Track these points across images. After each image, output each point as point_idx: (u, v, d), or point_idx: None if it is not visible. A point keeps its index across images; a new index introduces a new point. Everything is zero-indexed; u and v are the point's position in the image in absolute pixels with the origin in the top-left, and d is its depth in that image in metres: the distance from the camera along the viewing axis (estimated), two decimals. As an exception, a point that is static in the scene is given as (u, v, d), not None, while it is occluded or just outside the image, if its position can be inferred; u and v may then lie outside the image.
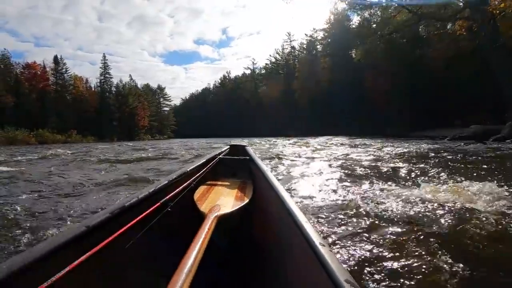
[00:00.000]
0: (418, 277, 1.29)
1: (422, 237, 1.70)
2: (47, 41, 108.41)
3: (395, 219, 2.04)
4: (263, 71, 63.15)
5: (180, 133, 66.27)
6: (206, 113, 71.86)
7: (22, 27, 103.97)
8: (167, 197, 1.20)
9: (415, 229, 1.83)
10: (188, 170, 1.60)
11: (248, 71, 67.61)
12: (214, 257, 1.01)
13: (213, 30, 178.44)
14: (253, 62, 66.59)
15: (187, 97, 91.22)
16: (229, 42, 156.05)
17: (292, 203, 1.02)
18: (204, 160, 1.95)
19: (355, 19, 42.58)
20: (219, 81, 75.63)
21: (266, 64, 61.63)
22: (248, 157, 2.15)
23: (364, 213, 2.18)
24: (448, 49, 27.90)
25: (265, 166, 1.79)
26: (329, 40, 44.27)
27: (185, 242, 0.84)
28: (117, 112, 46.11)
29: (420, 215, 2.10)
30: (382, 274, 1.32)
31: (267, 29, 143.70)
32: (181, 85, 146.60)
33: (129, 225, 0.89)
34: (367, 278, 1.31)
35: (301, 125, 40.41)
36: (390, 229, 1.84)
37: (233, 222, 1.35)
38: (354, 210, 2.24)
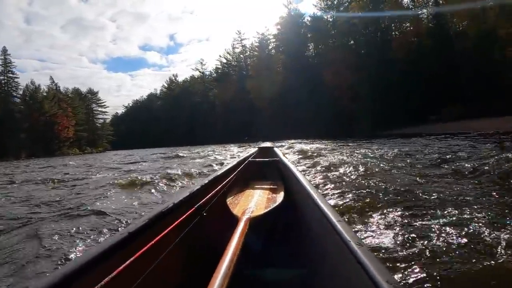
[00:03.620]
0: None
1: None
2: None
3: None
4: (214, 75, 57.92)
5: (122, 143, 59.54)
6: (153, 120, 66.42)
7: None
8: (201, 202, 1.21)
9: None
10: (219, 174, 1.63)
11: (197, 73, 61.79)
12: (249, 259, 1.01)
13: (160, 36, 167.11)
14: (201, 63, 60.91)
15: (131, 104, 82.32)
16: (177, 48, 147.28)
17: (325, 203, 0.99)
18: (234, 164, 1.96)
19: (309, 12, 40.47)
20: (166, 85, 68.27)
21: (216, 65, 56.58)
22: (277, 159, 2.16)
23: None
24: (409, 41, 26.27)
25: (295, 167, 1.75)
26: (282, 36, 41.06)
27: (220, 245, 0.84)
28: (26, 122, 36.05)
29: None
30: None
31: (216, 36, 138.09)
32: (128, 93, 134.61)
33: (167, 230, 0.90)
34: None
35: (258, 128, 36.02)
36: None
37: (266, 224, 1.33)
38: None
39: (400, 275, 1.22)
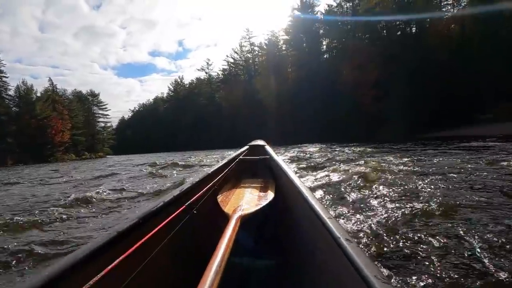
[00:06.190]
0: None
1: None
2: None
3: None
4: (221, 77, 54.57)
5: (126, 149, 57.49)
6: (158, 124, 64.37)
7: None
8: (192, 200, 1.21)
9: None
10: (210, 172, 1.60)
11: (203, 74, 58.64)
12: (240, 257, 1.04)
13: (169, 42, 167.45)
14: (207, 63, 57.75)
15: (137, 108, 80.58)
16: (186, 54, 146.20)
17: (315, 200, 1.00)
18: (225, 162, 1.93)
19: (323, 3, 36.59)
20: (172, 88, 65.39)
21: (223, 66, 53.24)
22: (268, 156, 2.14)
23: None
24: (450, 26, 22.03)
25: (286, 165, 1.72)
26: (294, 31, 37.31)
27: (212, 243, 0.85)
28: (14, 124, 33.18)
29: None
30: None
31: (224, 41, 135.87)
32: (137, 98, 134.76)
33: (157, 228, 0.90)
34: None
35: (267, 132, 32.13)
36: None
37: (257, 221, 1.35)
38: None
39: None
